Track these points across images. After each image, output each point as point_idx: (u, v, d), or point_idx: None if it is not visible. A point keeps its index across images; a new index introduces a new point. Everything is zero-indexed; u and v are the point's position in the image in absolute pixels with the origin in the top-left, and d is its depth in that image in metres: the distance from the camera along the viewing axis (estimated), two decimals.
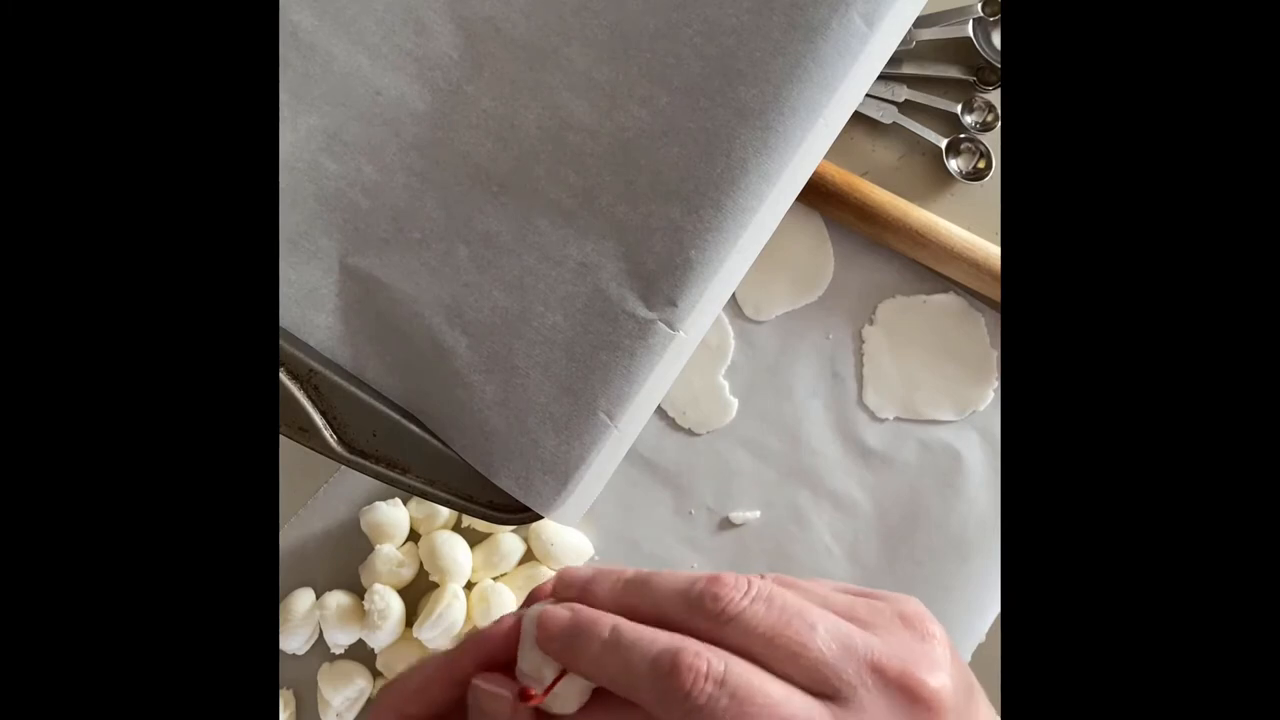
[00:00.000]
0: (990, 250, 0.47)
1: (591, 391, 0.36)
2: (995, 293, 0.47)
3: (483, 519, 0.37)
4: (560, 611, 0.27)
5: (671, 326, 0.35)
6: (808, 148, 0.35)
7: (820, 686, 0.24)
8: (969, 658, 0.47)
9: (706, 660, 0.24)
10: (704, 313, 0.37)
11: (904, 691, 0.24)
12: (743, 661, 0.24)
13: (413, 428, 0.37)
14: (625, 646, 0.25)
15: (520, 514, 0.37)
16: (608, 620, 0.26)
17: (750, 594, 0.26)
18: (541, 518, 0.37)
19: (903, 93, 0.50)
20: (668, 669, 0.24)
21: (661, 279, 0.35)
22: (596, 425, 0.36)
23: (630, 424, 0.37)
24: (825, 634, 0.24)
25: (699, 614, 0.25)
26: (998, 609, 0.47)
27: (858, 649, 0.24)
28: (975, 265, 0.47)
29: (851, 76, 0.35)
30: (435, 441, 0.37)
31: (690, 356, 0.39)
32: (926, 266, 0.48)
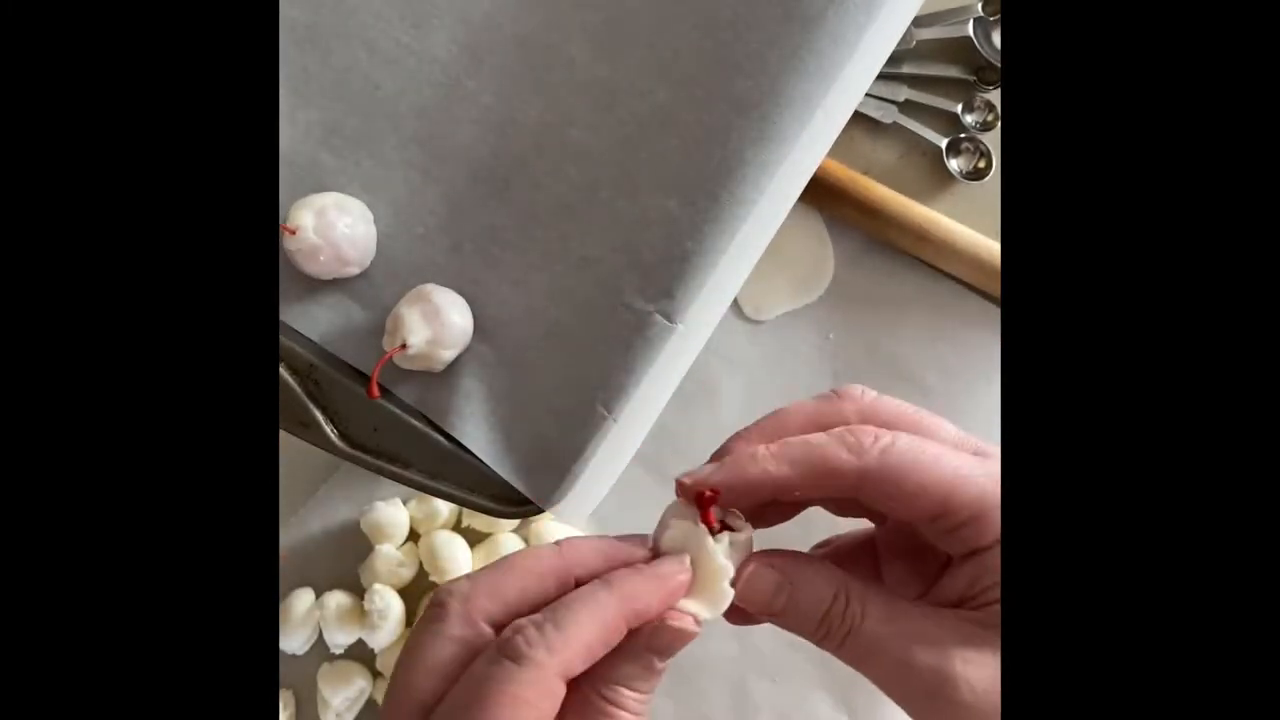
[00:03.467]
0: (992, 246, 0.47)
1: (590, 384, 0.36)
2: (998, 289, 0.47)
3: (484, 513, 0.37)
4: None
5: (669, 319, 0.35)
6: (807, 141, 0.35)
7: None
8: None
9: (876, 429, 0.25)
10: (705, 307, 0.36)
11: None
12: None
13: (414, 422, 0.37)
14: (797, 443, 0.26)
15: (521, 508, 0.37)
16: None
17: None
18: (543, 511, 0.37)
19: (903, 92, 0.50)
20: (847, 427, 0.25)
21: (658, 271, 0.35)
22: (594, 418, 0.36)
23: (631, 419, 0.37)
24: (949, 426, 0.26)
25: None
26: None
27: (976, 441, 0.26)
28: (978, 261, 0.47)
29: (850, 69, 0.35)
30: (437, 436, 0.37)
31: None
32: (928, 264, 0.48)
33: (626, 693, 0.25)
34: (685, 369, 0.39)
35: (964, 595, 0.25)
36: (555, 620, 0.25)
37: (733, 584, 0.26)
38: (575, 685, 0.25)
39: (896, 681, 0.25)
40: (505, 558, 0.27)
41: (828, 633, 0.25)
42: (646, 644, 0.25)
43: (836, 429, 0.26)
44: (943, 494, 0.24)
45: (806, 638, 0.26)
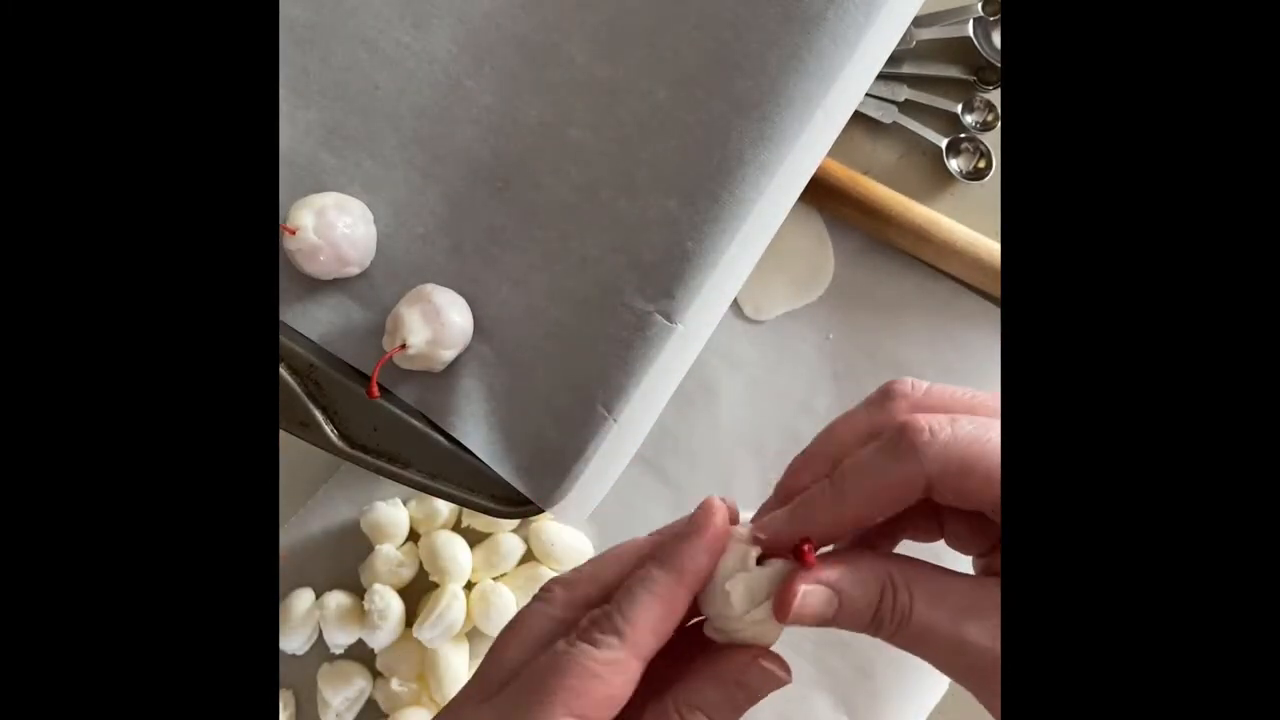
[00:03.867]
0: (992, 246, 0.47)
1: (590, 384, 0.36)
2: (998, 289, 0.47)
3: (484, 513, 0.37)
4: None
5: (669, 319, 0.35)
6: (807, 141, 0.35)
7: None
8: None
9: (929, 418, 0.24)
10: (705, 307, 0.36)
11: None
12: None
13: (414, 422, 0.37)
14: (851, 470, 0.25)
15: (521, 508, 0.37)
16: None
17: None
18: (542, 511, 0.37)
19: (903, 92, 0.50)
20: (900, 430, 0.24)
21: (658, 271, 0.35)
22: (594, 418, 0.36)
23: (631, 419, 0.37)
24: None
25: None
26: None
27: None
28: (978, 261, 0.47)
29: (850, 69, 0.35)
30: (437, 436, 0.37)
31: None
32: (928, 264, 0.48)
33: (704, 719, 0.25)
34: (685, 369, 0.39)
35: None
36: (619, 605, 0.25)
37: (781, 609, 0.26)
38: (660, 693, 0.26)
39: (952, 661, 0.25)
40: (610, 549, 0.28)
41: (879, 627, 0.25)
42: (736, 677, 0.26)
43: (888, 433, 0.25)
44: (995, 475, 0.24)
45: (858, 631, 0.26)
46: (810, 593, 0.26)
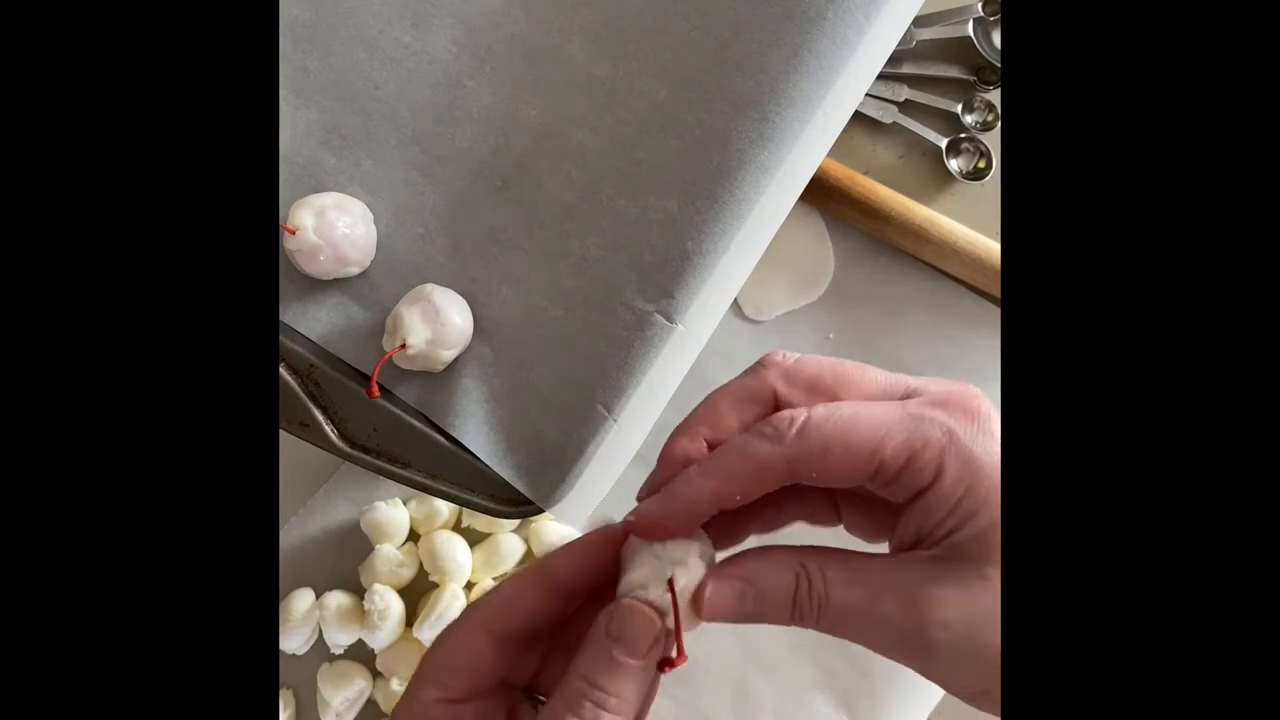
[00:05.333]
0: (992, 246, 0.47)
1: (590, 384, 0.36)
2: (998, 289, 0.47)
3: (484, 513, 0.37)
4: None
5: (669, 318, 0.35)
6: (807, 141, 0.35)
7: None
8: None
9: (790, 410, 0.25)
10: (705, 307, 0.36)
11: (945, 402, 0.25)
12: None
13: (414, 422, 0.37)
14: (720, 453, 0.26)
15: (520, 508, 0.37)
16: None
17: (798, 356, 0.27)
18: (542, 511, 0.37)
19: (903, 92, 0.50)
20: (764, 421, 0.25)
21: (658, 271, 0.35)
22: (594, 418, 0.36)
23: (631, 419, 0.37)
24: (875, 372, 0.26)
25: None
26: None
27: (907, 380, 0.26)
28: (978, 260, 0.47)
29: (850, 69, 0.35)
30: (437, 436, 0.37)
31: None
32: (928, 264, 0.48)
33: (585, 685, 0.25)
34: (685, 369, 0.39)
35: (919, 536, 0.25)
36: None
37: (697, 607, 0.26)
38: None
39: (875, 638, 0.25)
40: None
41: (801, 615, 0.26)
42: (605, 630, 0.26)
43: (757, 425, 0.26)
44: (869, 451, 0.24)
45: (783, 624, 0.26)
46: (719, 589, 0.26)
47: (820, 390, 0.26)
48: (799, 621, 0.26)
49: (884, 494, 0.25)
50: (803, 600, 0.25)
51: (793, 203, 0.38)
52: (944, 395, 0.25)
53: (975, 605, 0.24)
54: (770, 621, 0.26)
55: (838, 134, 0.38)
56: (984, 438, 0.24)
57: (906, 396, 0.26)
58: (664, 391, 0.38)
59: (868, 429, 0.24)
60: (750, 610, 0.26)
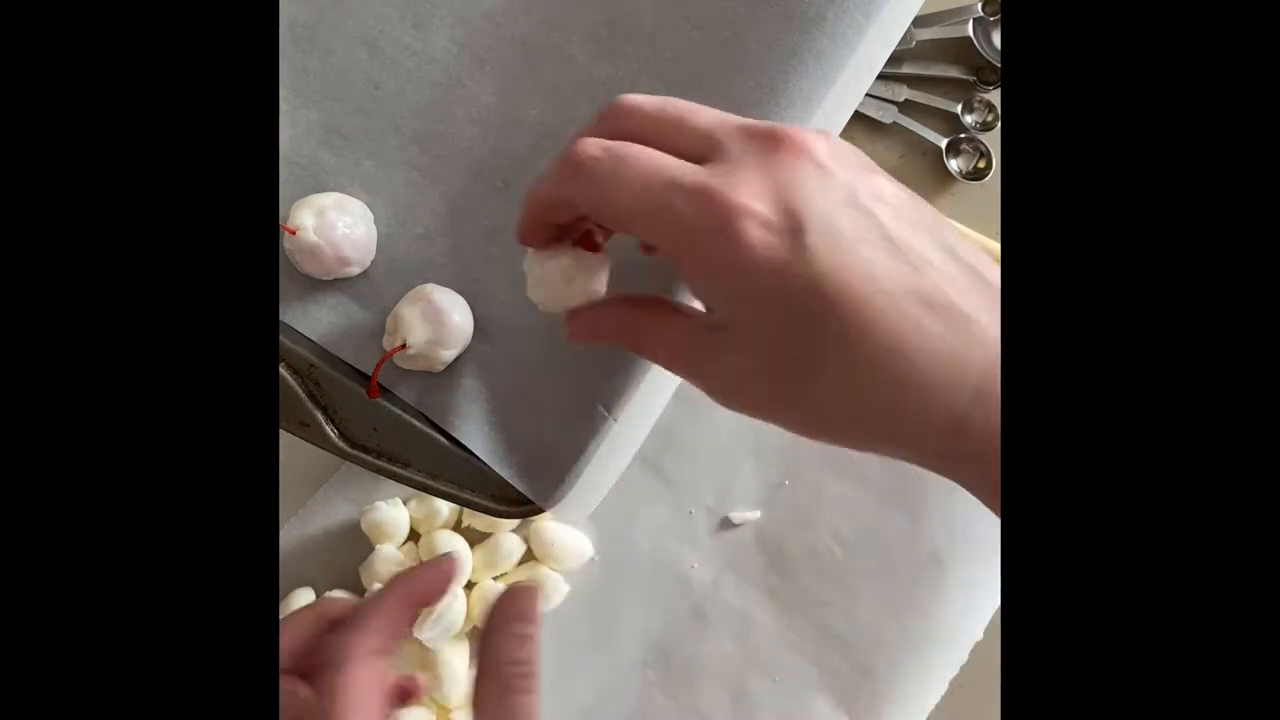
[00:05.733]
0: (992, 247, 0.47)
1: (590, 383, 0.36)
2: None
3: (484, 513, 0.37)
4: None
5: None
6: None
7: (698, 149, 0.27)
8: (966, 655, 0.47)
9: (595, 143, 0.28)
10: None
11: (768, 139, 0.26)
12: (631, 143, 0.28)
13: (414, 422, 0.37)
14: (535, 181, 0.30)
15: (521, 508, 0.37)
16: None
17: (641, 97, 0.30)
18: (542, 511, 0.37)
19: (903, 92, 0.50)
20: (568, 155, 0.28)
21: (657, 269, 0.35)
22: (594, 418, 0.36)
23: (631, 419, 0.37)
24: (705, 113, 0.28)
25: (604, 121, 0.30)
26: (996, 603, 0.47)
27: (732, 120, 0.27)
28: None
29: (850, 69, 0.35)
30: (437, 436, 0.37)
31: None
32: None
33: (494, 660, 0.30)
34: None
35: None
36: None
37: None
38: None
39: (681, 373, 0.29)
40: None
41: (633, 339, 0.30)
42: (501, 607, 0.32)
43: (567, 158, 0.28)
44: (623, 221, 0.27)
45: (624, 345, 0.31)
46: (576, 327, 0.31)
47: (657, 127, 0.29)
48: (629, 345, 0.31)
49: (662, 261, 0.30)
50: (630, 346, 0.30)
51: None
52: (751, 145, 0.27)
53: (733, 366, 0.27)
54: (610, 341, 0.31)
55: (838, 134, 0.38)
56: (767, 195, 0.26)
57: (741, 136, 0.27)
58: (664, 391, 0.38)
59: (629, 196, 0.27)
60: (600, 331, 0.31)
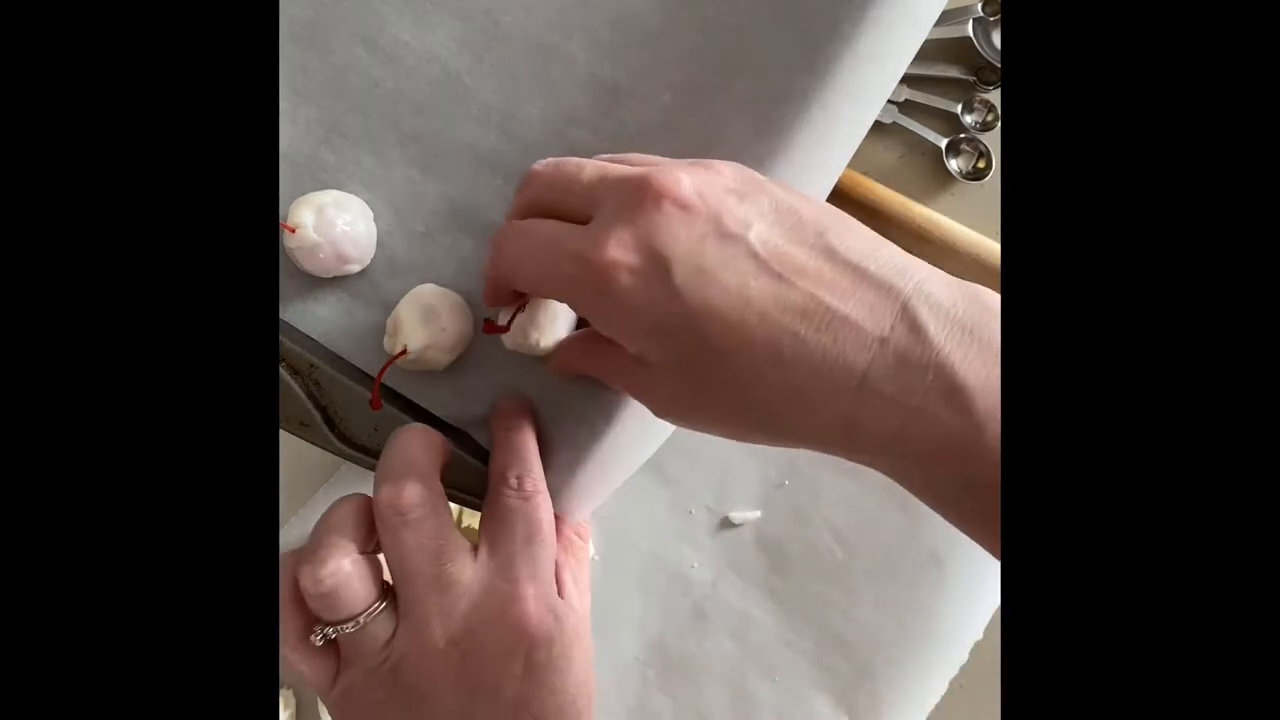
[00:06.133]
0: (992, 246, 0.47)
1: (593, 384, 0.36)
2: (997, 288, 0.47)
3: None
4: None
5: None
6: (810, 140, 0.35)
7: (584, 209, 0.29)
8: (966, 655, 0.47)
9: (507, 224, 0.31)
10: None
11: (636, 189, 0.28)
12: (532, 219, 0.31)
13: (414, 422, 0.37)
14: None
15: None
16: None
17: (546, 161, 0.32)
18: None
19: (903, 92, 0.50)
20: (493, 236, 0.32)
21: None
22: (596, 417, 0.36)
23: (638, 422, 0.37)
24: (589, 169, 0.30)
25: (519, 193, 0.32)
26: (996, 603, 0.47)
27: (610, 174, 0.30)
28: (978, 260, 0.47)
29: (852, 69, 0.35)
30: None
31: None
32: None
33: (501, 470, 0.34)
34: None
35: None
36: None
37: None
38: None
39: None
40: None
41: (594, 371, 0.33)
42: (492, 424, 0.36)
43: (492, 239, 0.32)
44: (534, 281, 0.30)
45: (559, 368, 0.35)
46: (553, 363, 0.35)
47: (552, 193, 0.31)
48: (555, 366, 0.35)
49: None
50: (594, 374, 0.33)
51: None
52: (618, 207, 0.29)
53: (659, 390, 0.30)
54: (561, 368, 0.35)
55: (856, 141, 0.38)
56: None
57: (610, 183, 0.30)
58: None
59: (533, 268, 0.30)
60: (570, 365, 0.34)
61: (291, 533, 0.48)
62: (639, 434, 0.39)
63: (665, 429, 0.40)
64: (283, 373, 0.36)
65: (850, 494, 0.48)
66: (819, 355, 0.26)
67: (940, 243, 0.47)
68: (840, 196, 0.48)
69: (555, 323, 0.34)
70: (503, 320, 0.34)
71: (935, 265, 0.48)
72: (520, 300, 0.34)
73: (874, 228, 0.47)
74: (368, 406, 0.36)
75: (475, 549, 0.32)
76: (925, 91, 0.50)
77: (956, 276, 0.50)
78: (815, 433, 0.27)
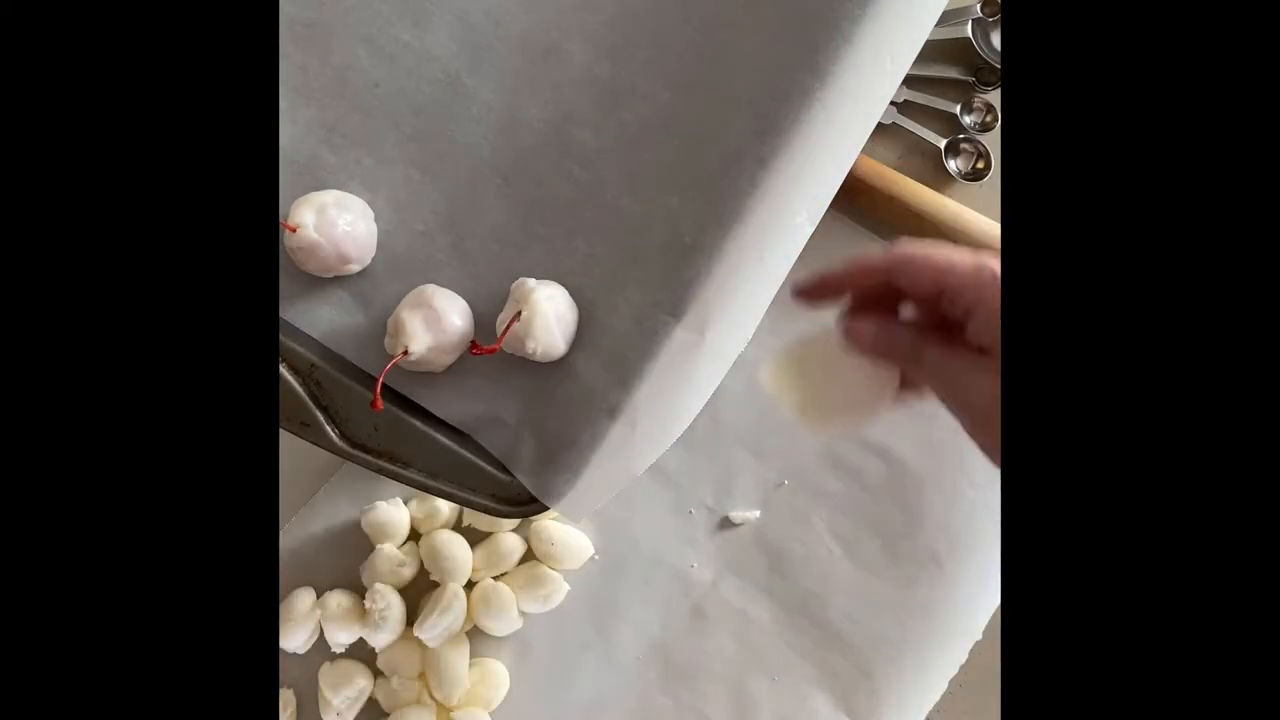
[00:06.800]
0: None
1: (593, 381, 0.36)
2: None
3: (484, 512, 0.37)
4: None
5: (673, 315, 0.35)
6: (811, 140, 0.35)
7: None
8: (966, 655, 0.47)
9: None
10: (724, 315, 0.36)
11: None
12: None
13: (414, 422, 0.37)
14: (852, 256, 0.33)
15: (521, 507, 0.37)
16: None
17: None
18: (543, 509, 0.37)
19: (903, 93, 0.50)
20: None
21: (658, 266, 0.35)
22: (599, 416, 0.36)
23: (645, 425, 0.37)
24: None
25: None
26: (997, 603, 0.47)
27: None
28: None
29: (854, 68, 0.35)
30: (437, 435, 0.37)
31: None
32: None
33: None
34: (713, 383, 0.38)
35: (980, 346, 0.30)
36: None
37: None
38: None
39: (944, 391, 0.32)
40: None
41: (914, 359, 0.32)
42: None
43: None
44: (939, 270, 0.30)
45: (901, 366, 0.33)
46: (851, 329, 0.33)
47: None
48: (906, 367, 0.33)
49: (949, 311, 0.31)
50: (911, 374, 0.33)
51: (819, 214, 0.38)
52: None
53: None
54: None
55: (863, 139, 0.38)
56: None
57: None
58: (687, 404, 0.38)
59: (943, 257, 0.30)
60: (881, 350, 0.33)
61: (292, 532, 0.48)
62: (645, 435, 0.39)
63: (674, 429, 0.39)
64: (284, 372, 0.36)
65: (850, 494, 0.48)
66: None
67: (950, 233, 0.47)
68: (848, 191, 0.48)
69: (551, 333, 0.35)
70: (501, 324, 0.34)
71: None
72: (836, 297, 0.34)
73: (868, 215, 0.48)
74: (369, 406, 0.36)
75: None
76: (925, 92, 0.50)
77: None
78: None
